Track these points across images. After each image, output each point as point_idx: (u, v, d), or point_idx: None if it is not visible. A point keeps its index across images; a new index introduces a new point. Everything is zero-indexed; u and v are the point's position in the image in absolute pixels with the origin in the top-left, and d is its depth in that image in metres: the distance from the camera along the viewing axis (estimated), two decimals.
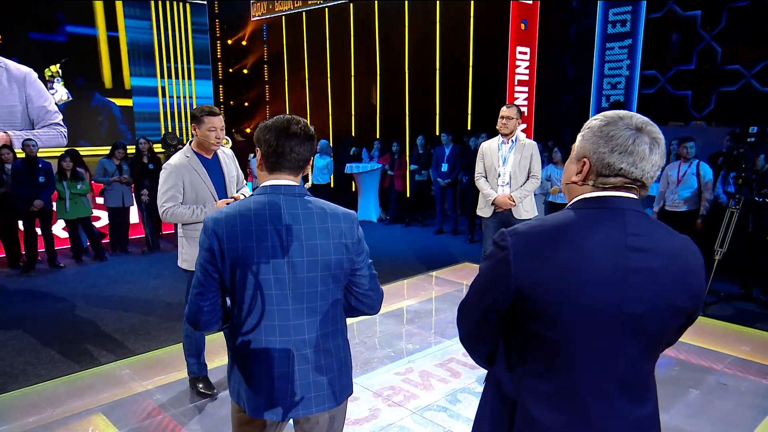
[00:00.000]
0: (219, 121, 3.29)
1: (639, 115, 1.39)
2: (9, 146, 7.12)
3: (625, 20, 8.47)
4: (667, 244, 1.34)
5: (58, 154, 7.20)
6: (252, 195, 1.87)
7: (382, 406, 3.48)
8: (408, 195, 9.46)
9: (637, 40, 8.41)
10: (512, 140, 4.75)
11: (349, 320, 2.15)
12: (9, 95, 10.32)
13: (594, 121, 1.42)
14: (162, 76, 12.21)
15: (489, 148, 4.87)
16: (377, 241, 8.49)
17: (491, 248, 1.44)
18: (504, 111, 4.72)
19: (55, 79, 11.09)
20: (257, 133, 1.89)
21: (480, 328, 1.48)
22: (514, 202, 4.70)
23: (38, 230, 7.00)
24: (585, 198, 1.40)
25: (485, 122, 9.61)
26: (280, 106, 13.20)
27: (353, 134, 11.84)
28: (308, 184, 3.00)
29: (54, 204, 7.05)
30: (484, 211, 4.89)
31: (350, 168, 9.63)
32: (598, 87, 8.99)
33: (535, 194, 7.45)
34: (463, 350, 3.90)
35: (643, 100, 8.50)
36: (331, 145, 10.05)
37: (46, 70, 10.98)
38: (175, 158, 3.22)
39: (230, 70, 13.47)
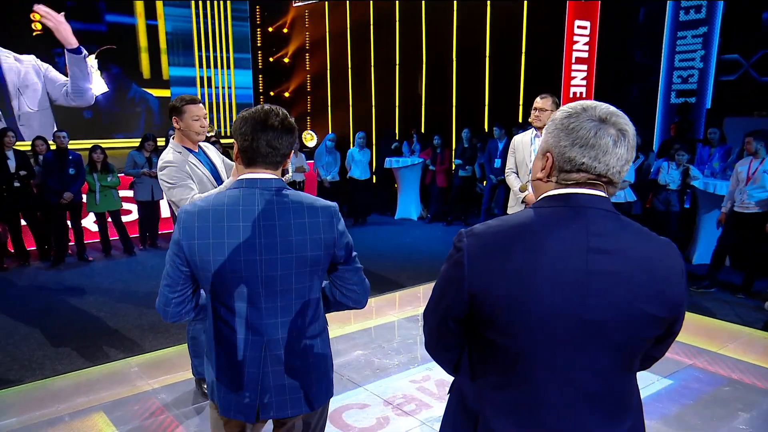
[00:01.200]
0: (200, 109, 3.29)
1: (606, 105, 1.35)
2: (43, 138, 7.56)
3: (700, 6, 8.05)
4: (635, 246, 1.30)
5: (89, 146, 7.57)
6: (228, 189, 1.92)
7: (392, 415, 3.49)
8: (451, 192, 9.39)
9: (714, 27, 8.00)
10: None
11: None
12: (27, 79, 10.88)
13: (558, 112, 1.39)
14: (201, 66, 12.60)
15: (521, 142, 4.81)
16: (416, 240, 8.49)
17: (451, 249, 1.43)
18: (538, 102, 4.64)
19: (92, 71, 11.62)
20: (234, 124, 1.93)
21: (440, 335, 1.48)
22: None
23: (69, 223, 7.39)
24: (548, 196, 1.38)
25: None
26: (322, 97, 13.36)
27: (397, 126, 11.85)
28: (288, 177, 3.02)
29: (84, 197, 7.43)
30: (514, 209, 4.84)
31: (389, 162, 9.66)
32: (667, 80, 8.65)
33: None
34: None
35: (721, 87, 8.08)
36: (373, 137, 10.14)
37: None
38: (169, 155, 3.21)
39: (270, 59, 13.73)
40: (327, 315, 2.06)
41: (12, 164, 7.05)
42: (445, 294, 1.41)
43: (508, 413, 1.34)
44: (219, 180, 3.42)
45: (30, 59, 10.96)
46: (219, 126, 12.86)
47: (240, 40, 13.11)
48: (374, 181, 10.40)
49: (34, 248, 7.60)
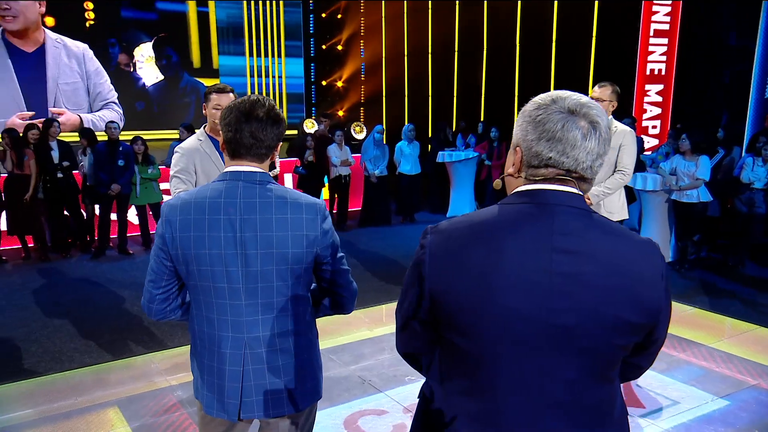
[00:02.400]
0: (226, 99, 3.39)
1: (578, 96, 1.35)
2: (87, 130, 8.02)
3: None
4: (606, 247, 1.29)
5: (130, 137, 7.96)
6: (213, 181, 2.01)
7: (409, 423, 3.52)
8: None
9: None
10: None
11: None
12: (70, 73, 11.47)
13: (528, 104, 1.40)
14: (251, 54, 12.95)
15: None
16: None
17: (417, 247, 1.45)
18: (594, 91, 4.54)
19: (144, 59, 12.18)
20: (221, 113, 2.01)
21: (407, 336, 1.51)
22: (590, 200, 4.52)
23: (113, 215, 7.81)
24: (516, 192, 1.38)
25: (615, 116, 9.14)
26: (377, 85, 13.48)
27: (455, 118, 11.81)
28: (275, 171, 3.08)
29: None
30: None
31: (442, 156, 9.64)
32: (763, 65, 8.20)
33: (654, 190, 7.02)
34: None
35: None
36: (429, 129, 10.13)
37: (137, 48, 12.10)
38: (187, 141, 3.41)
39: (323, 47, 13.97)
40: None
41: (55, 155, 7.51)
42: (407, 294, 1.45)
43: (472, 420, 1.36)
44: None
45: (78, 50, 11.53)
46: None
47: (292, 26, 13.39)
48: (426, 176, 10.39)
49: (77, 240, 8.07)
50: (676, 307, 5.51)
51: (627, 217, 4.75)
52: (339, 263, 2.03)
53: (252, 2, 12.84)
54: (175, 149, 3.39)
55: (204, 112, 3.45)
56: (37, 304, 5.89)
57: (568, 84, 9.64)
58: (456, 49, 11.81)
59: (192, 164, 3.36)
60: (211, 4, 12.52)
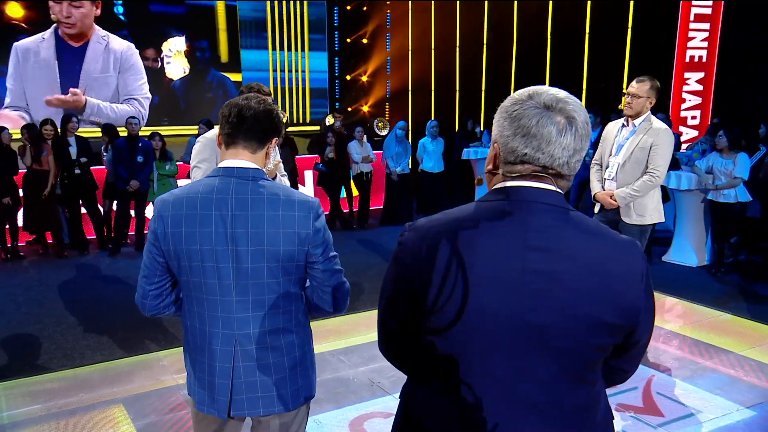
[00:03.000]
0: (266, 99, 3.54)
1: (556, 91, 1.36)
2: (109, 125, 8.20)
3: None
4: (583, 245, 1.30)
5: (148, 132, 8.13)
6: (207, 177, 2.07)
7: None
8: None
9: None
10: (635, 124, 4.51)
11: None
12: (104, 67, 11.84)
13: (506, 100, 1.41)
14: (274, 49, 13.08)
15: (610, 131, 4.72)
16: None
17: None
18: (632, 86, 4.52)
19: (171, 54, 12.40)
20: (221, 109, 2.09)
21: (385, 335, 1.54)
22: (617, 202, 4.48)
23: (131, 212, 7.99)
24: (493, 189, 1.41)
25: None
26: (402, 79, 13.48)
27: (482, 113, 11.76)
28: (269, 166, 3.14)
29: None
30: (596, 206, 4.76)
31: (467, 153, 9.61)
32: None
33: (689, 189, 6.90)
34: None
35: None
36: (456, 125, 10.12)
37: (165, 43, 12.33)
38: (210, 133, 3.49)
39: (348, 40, 14.02)
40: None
41: (74, 151, 7.71)
42: (384, 292, 1.48)
43: (451, 421, 1.38)
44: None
45: (120, 48, 11.85)
46: (292, 113, 13.29)
47: (316, 20, 13.48)
48: (450, 174, 10.38)
49: (94, 237, 8.27)
50: (707, 312, 5.43)
51: (662, 220, 4.70)
52: (331, 262, 2.06)
53: None
54: (197, 140, 3.46)
55: None
56: (52, 300, 6.06)
57: (603, 74, 9.54)
58: (484, 42, 11.75)
59: (214, 155, 3.44)
60: (220, 3, 12.66)
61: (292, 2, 13.14)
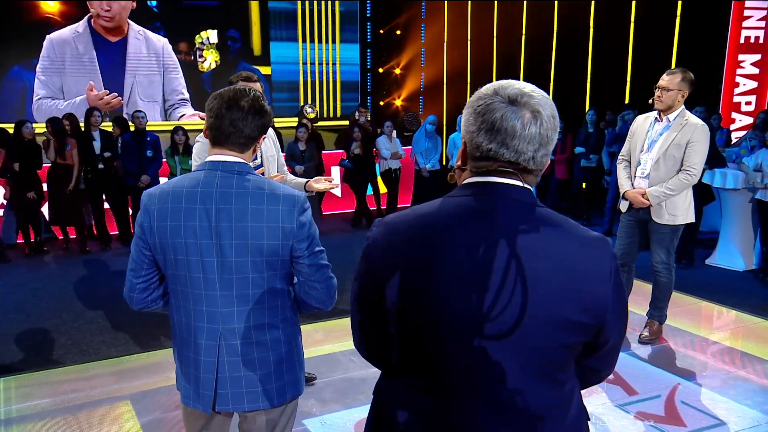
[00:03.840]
0: (254, 87, 3.59)
1: (522, 85, 1.39)
2: (121, 119, 8.44)
3: None
4: (550, 242, 1.33)
5: (170, 127, 8.33)
6: (194, 170, 2.15)
7: None
8: (572, 186, 9.12)
9: None
10: (669, 119, 4.47)
11: None
12: (148, 65, 12.16)
13: (474, 95, 1.44)
14: (303, 40, 13.21)
15: (640, 125, 4.68)
16: None
17: None
18: (663, 79, 4.48)
19: (204, 46, 12.65)
20: (207, 99, 2.16)
21: (358, 332, 1.60)
22: (648, 200, 4.44)
23: None
24: (461, 185, 1.44)
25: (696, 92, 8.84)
26: (436, 72, 13.48)
27: None
28: (256, 162, 3.20)
29: (165, 180, 8.20)
30: (622, 204, 4.73)
31: None
32: None
33: (736, 189, 6.74)
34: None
35: None
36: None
37: (197, 36, 12.59)
38: None
39: (381, 31, 14.07)
40: None
41: (97, 145, 7.96)
42: (354, 288, 1.54)
43: (422, 419, 1.42)
44: (259, 167, 3.70)
45: (158, 44, 12.17)
46: (321, 107, 13.41)
47: (347, 10, 13.55)
48: None
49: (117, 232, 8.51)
50: (749, 319, 5.33)
51: (693, 220, 4.65)
52: (317, 257, 2.12)
53: None
54: (196, 139, 3.48)
55: None
56: (72, 295, 6.27)
57: (649, 63, 9.36)
58: (523, 33, 11.68)
59: None
60: None
61: None
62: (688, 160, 4.40)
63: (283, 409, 2.24)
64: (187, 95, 12.62)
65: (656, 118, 4.57)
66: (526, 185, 1.38)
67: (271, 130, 3.93)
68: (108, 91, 11.83)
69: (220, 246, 2.01)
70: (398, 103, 14.14)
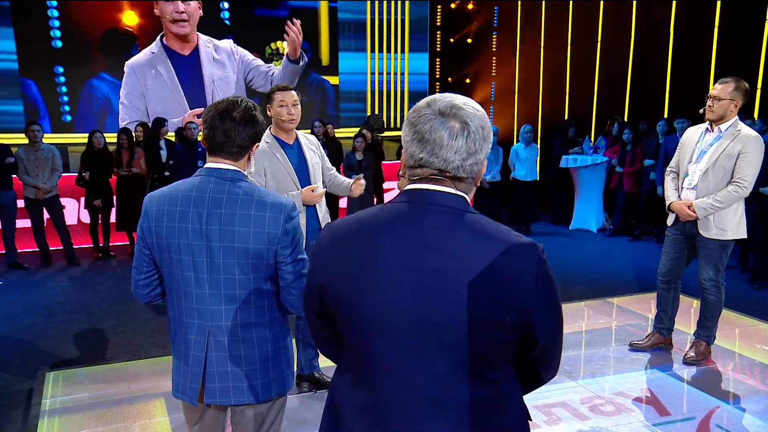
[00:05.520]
0: (290, 96, 3.84)
1: (453, 97, 1.53)
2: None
3: None
4: (474, 246, 1.45)
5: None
6: (193, 176, 2.37)
7: None
8: (640, 199, 8.92)
9: None
10: (721, 129, 4.41)
11: None
12: (221, 67, 12.71)
13: (412, 107, 1.59)
14: (372, 50, 13.48)
15: (690, 137, 4.65)
16: (585, 255, 8.30)
17: None
18: (715, 88, 4.44)
19: (273, 57, 13.13)
20: (204, 111, 2.39)
21: (313, 329, 1.77)
22: (695, 213, 4.37)
23: None
24: (401, 191, 1.60)
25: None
26: (507, 81, 13.46)
27: (594, 116, 11.52)
28: (250, 169, 3.38)
29: None
30: (669, 217, 4.69)
31: (565, 161, 9.50)
32: None
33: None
34: (581, 396, 4.16)
35: None
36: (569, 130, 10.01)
37: (267, 47, 13.09)
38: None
39: (451, 40, 14.17)
40: None
41: (164, 154, 8.46)
42: (304, 287, 1.74)
43: (360, 412, 1.57)
44: (304, 176, 3.93)
45: (227, 45, 12.75)
46: (389, 118, 13.62)
47: (417, 19, 13.72)
48: (550, 182, 10.27)
49: None
50: None
51: (745, 236, 4.54)
52: (298, 265, 2.31)
53: None
54: None
55: (269, 113, 3.85)
56: (130, 298, 6.64)
57: (733, 69, 9.05)
58: (599, 40, 11.51)
59: (261, 166, 3.78)
60: (323, 4, 13.14)
61: (393, 2, 13.44)
62: (738, 172, 4.31)
63: (270, 404, 2.43)
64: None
65: (707, 128, 4.51)
66: (458, 192, 1.50)
67: (313, 138, 4.16)
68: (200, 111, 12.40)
69: (210, 247, 2.21)
70: None
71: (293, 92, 3.87)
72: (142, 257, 2.34)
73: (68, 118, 11.84)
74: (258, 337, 2.32)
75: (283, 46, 12.95)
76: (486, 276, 1.41)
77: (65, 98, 11.79)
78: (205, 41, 12.49)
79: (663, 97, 10.17)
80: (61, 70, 11.63)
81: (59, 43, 11.51)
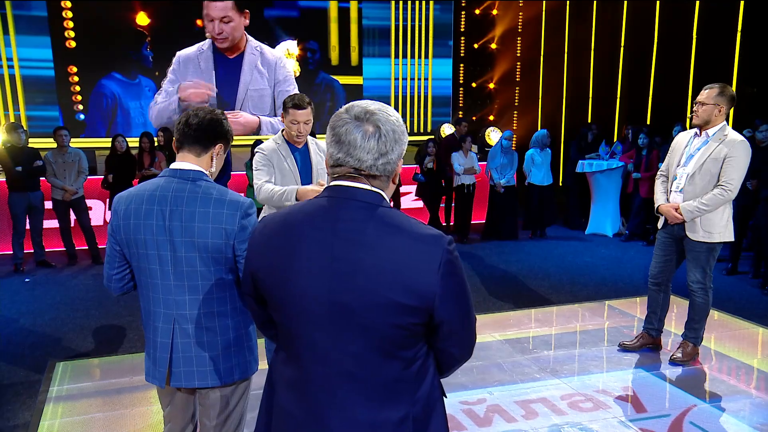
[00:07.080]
0: (303, 115, 4.02)
1: (368, 104, 1.74)
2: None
3: None
4: (381, 237, 1.66)
5: (251, 141, 9.03)
6: (158, 176, 2.63)
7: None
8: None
9: None
10: (708, 134, 4.54)
11: None
12: (260, 79, 13.03)
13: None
14: (396, 56, 13.69)
15: (679, 141, 4.79)
16: (599, 259, 8.38)
17: None
18: (701, 94, 4.56)
19: (285, 57, 13.40)
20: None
21: (252, 313, 2.01)
22: (681, 215, 4.50)
23: None
24: (325, 188, 1.82)
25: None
26: (531, 86, 13.55)
27: (616, 120, 11.55)
28: (212, 169, 3.59)
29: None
30: (659, 220, 4.82)
31: (581, 166, 9.57)
32: None
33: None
34: (562, 393, 4.33)
35: None
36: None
37: (278, 47, 13.32)
38: (267, 143, 4.14)
39: (475, 46, 14.31)
40: None
41: None
42: (242, 274, 1.95)
43: (288, 387, 1.80)
44: (306, 178, 4.20)
45: (274, 56, 13.03)
46: (413, 123, 13.80)
47: (441, 25, 13.87)
48: (568, 188, 10.33)
49: None
50: None
51: (732, 239, 4.65)
52: None
53: (401, 2, 13.55)
54: (255, 150, 4.15)
55: (282, 120, 4.15)
56: None
57: (755, 76, 9.03)
58: (622, 44, 11.55)
59: (270, 164, 4.08)
60: (353, 4, 13.44)
61: (417, 8, 13.61)
62: (724, 176, 4.42)
63: (233, 387, 2.67)
64: None
65: (696, 133, 4.63)
66: (373, 188, 1.71)
67: (321, 143, 4.40)
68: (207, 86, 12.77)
69: (173, 242, 2.46)
70: (491, 117, 14.30)
71: (307, 111, 4.03)
72: (113, 253, 2.59)
73: (81, 116, 12.15)
74: (221, 325, 2.55)
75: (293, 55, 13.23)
76: (393, 263, 1.62)
77: (78, 97, 12.10)
78: (252, 47, 12.77)
79: (685, 100, 10.17)
80: (74, 69, 11.95)
81: (73, 44, 11.86)
